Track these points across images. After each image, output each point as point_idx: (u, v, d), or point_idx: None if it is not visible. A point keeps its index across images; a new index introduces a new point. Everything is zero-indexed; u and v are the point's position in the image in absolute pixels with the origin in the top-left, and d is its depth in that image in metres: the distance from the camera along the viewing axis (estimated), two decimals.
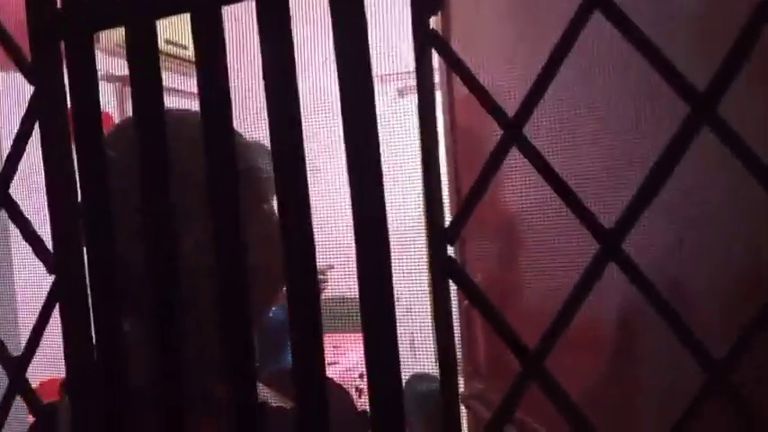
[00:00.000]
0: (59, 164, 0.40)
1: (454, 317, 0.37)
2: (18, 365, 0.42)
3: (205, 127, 0.38)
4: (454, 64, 0.32)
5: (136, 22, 0.38)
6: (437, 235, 0.34)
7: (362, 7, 0.35)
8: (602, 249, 0.31)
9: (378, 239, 0.35)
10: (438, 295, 0.34)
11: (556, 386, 0.32)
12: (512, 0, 0.94)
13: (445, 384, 0.35)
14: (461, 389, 1.29)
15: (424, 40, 0.33)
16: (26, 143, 0.42)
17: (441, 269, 0.34)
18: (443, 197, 0.35)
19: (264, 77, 0.36)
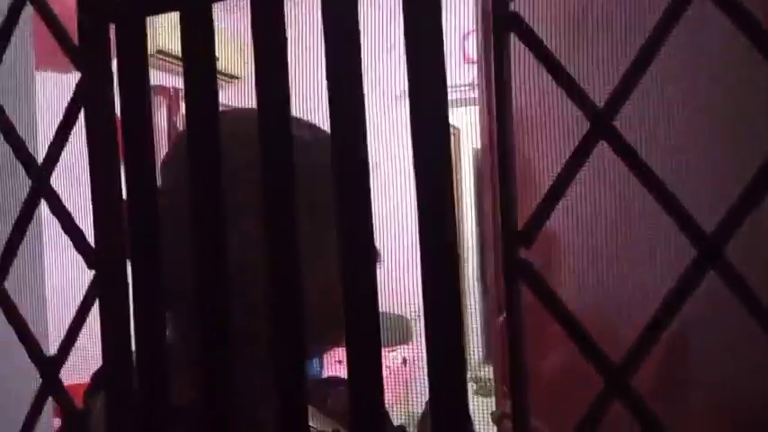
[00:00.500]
0: (104, 153, 0.38)
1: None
2: (52, 365, 0.40)
3: (261, 125, 0.36)
4: (538, 50, 0.30)
5: (191, 7, 0.36)
6: (510, 236, 0.31)
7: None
8: (700, 255, 0.28)
9: (445, 252, 0.32)
10: (511, 299, 0.31)
11: (642, 404, 0.29)
12: (562, 17, 0.91)
13: (516, 400, 0.32)
14: (493, 408, 1.25)
15: (503, 25, 0.30)
16: (69, 131, 0.40)
17: (514, 272, 0.31)
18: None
19: (327, 69, 0.34)
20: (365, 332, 0.34)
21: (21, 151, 0.40)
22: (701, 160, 0.61)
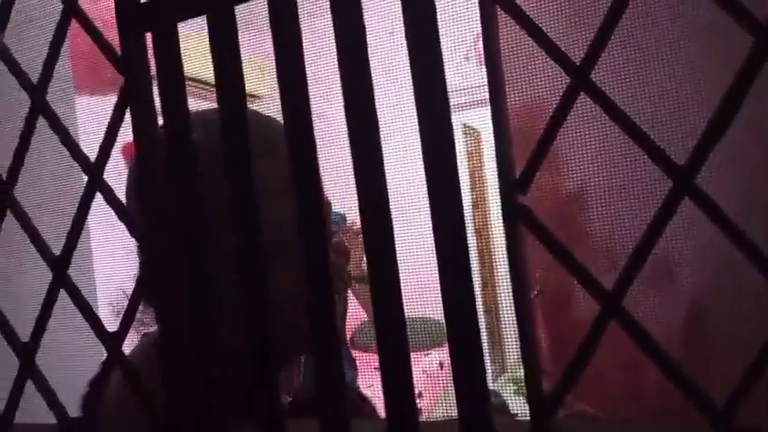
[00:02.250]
0: (149, 147, 0.43)
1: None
2: (115, 339, 0.45)
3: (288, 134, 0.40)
4: (519, 18, 0.34)
5: (217, 10, 0.41)
6: (508, 184, 0.35)
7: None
8: (675, 186, 0.31)
9: (459, 252, 0.36)
10: (512, 246, 0.35)
11: (635, 324, 0.32)
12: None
13: (527, 354, 0.35)
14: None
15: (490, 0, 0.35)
16: (117, 132, 0.45)
17: (514, 217, 0.35)
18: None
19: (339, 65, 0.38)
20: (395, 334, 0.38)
21: (75, 150, 0.46)
22: (676, 107, 0.65)
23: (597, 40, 0.33)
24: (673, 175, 0.31)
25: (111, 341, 0.45)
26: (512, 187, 0.35)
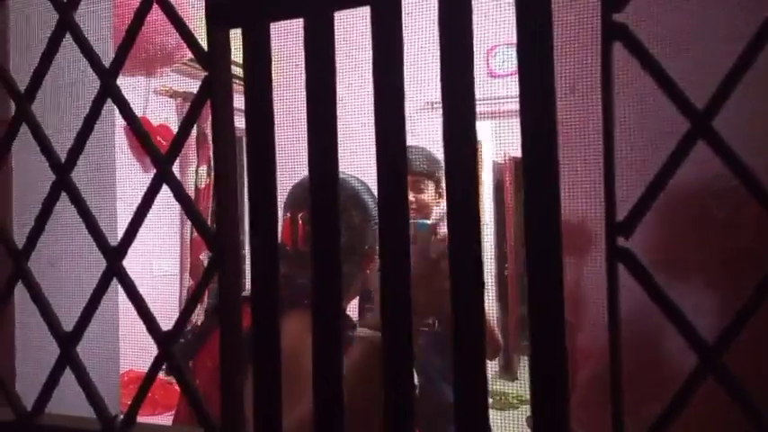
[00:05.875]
0: (226, 144, 0.42)
1: None
2: (168, 339, 0.43)
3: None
4: (643, 58, 0.33)
5: (314, 14, 0.40)
6: (612, 228, 0.34)
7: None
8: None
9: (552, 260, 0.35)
10: (612, 285, 0.34)
11: (734, 381, 0.32)
12: None
13: (614, 381, 0.35)
14: (514, 419, 1.27)
15: (610, 35, 0.34)
16: (193, 125, 0.44)
17: (615, 259, 0.34)
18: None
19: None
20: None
21: (147, 142, 0.44)
22: None
23: (723, 87, 0.32)
24: None
25: (164, 340, 0.44)
26: (615, 230, 0.34)
